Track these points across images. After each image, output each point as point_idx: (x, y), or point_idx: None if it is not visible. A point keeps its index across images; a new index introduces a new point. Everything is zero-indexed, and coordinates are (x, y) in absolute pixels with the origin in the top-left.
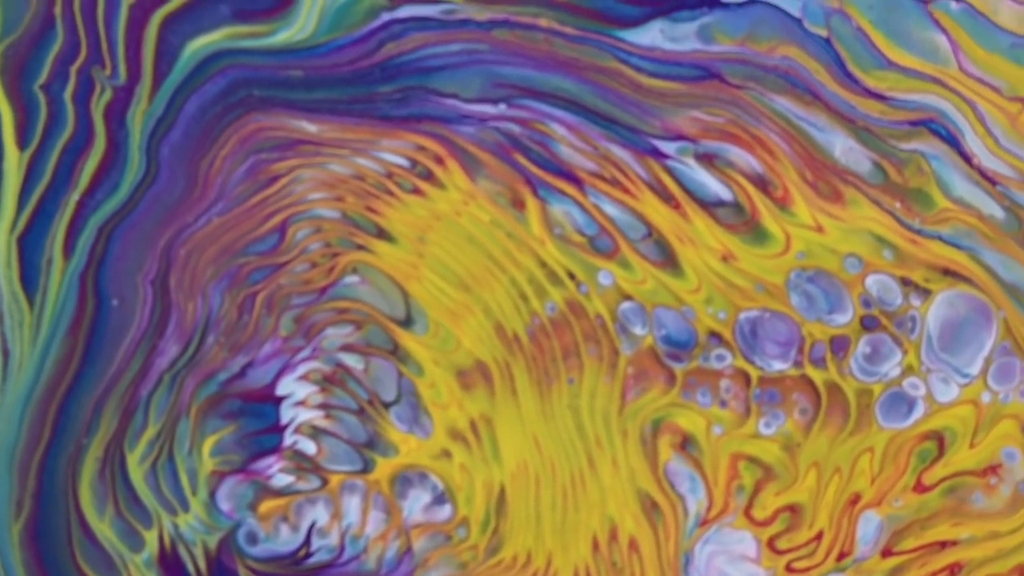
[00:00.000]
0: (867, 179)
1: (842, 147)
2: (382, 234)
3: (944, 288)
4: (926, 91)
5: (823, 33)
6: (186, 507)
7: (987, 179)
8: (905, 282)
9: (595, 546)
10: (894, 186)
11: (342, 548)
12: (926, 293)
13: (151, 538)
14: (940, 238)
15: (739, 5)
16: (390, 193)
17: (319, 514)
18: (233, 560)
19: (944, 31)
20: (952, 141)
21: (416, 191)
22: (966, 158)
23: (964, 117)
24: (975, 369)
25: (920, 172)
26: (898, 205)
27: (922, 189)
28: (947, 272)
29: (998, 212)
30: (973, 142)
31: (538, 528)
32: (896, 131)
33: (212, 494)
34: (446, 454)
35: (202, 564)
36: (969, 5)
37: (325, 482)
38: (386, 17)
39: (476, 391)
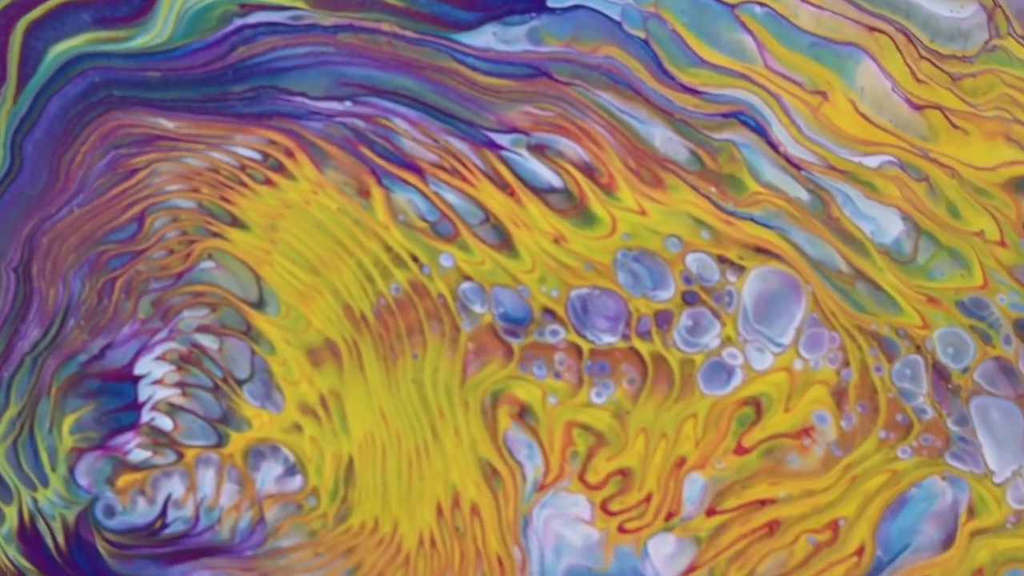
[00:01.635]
0: (685, 166)
1: (661, 138)
2: (236, 222)
3: (757, 265)
4: (735, 86)
5: (641, 35)
6: (45, 483)
7: (793, 165)
8: (721, 260)
9: (439, 512)
10: (709, 172)
11: (197, 519)
12: (741, 269)
13: (11, 513)
14: (752, 219)
15: (564, 10)
16: (243, 184)
17: (175, 487)
18: (91, 532)
19: (750, 32)
20: (760, 131)
21: (268, 182)
22: (773, 146)
23: (770, 109)
24: (787, 339)
25: (732, 159)
26: (713, 190)
27: (734, 175)
28: (759, 250)
29: (804, 195)
30: (779, 132)
31: (385, 496)
32: (710, 123)
33: (71, 470)
34: (297, 428)
35: (60, 537)
36: (771, 9)
37: (181, 456)
38: (238, 23)
39: (325, 368)
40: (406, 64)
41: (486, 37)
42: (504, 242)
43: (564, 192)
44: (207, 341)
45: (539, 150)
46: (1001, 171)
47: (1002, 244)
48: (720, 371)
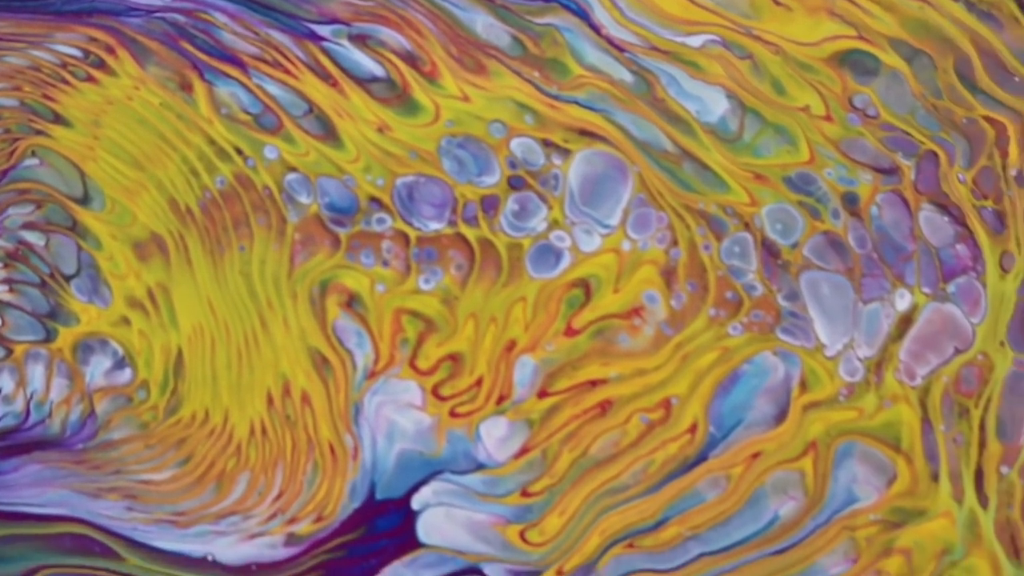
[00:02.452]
0: (507, 52)
1: (483, 24)
2: (59, 120)
3: (582, 147)
4: None
5: None
6: None
7: (615, 47)
8: (546, 143)
9: (269, 401)
10: (532, 57)
11: (27, 414)
12: (566, 153)
13: None
14: (576, 102)
15: None
16: (65, 82)
17: (4, 382)
18: None
19: None
20: (582, 14)
21: (90, 79)
22: (595, 29)
23: None
24: (615, 220)
25: (555, 44)
26: (536, 74)
27: (557, 59)
28: (584, 132)
29: (627, 76)
30: (601, 14)
31: (215, 387)
32: (531, 7)
33: None
34: (125, 321)
35: None
36: None
37: (10, 352)
38: None
39: (152, 262)
40: None
41: None
42: (328, 132)
43: (387, 81)
44: (33, 238)
45: (360, 40)
46: (825, 46)
47: (827, 119)
48: (548, 254)
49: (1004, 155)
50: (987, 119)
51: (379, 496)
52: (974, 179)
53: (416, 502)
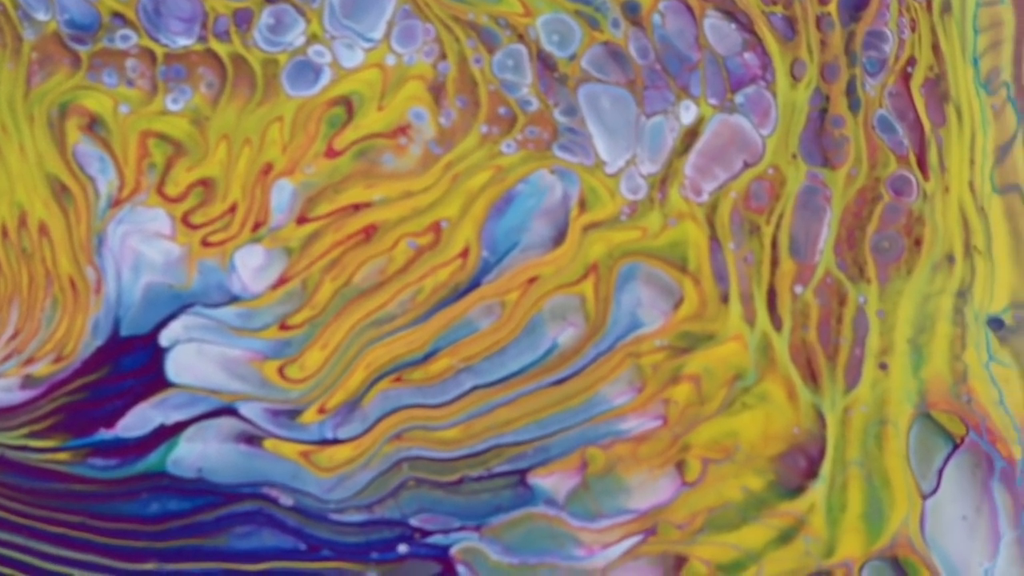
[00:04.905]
0: None
1: None
2: None
3: None
4: None
5: None
6: None
7: None
8: None
9: (4, 233)
10: None
11: None
12: None
13: None
14: None
15: None
16: None
17: None
18: None
19: None
20: None
21: None
22: None
23: None
24: (378, 33)
25: None
26: None
27: None
28: None
29: None
30: None
31: None
32: None
33: None
34: None
35: None
36: None
37: None
38: None
39: None
40: None
41: None
42: None
43: None
44: None
45: None
46: None
47: None
48: (307, 70)
49: None
50: None
51: (124, 333)
52: None
53: (165, 338)
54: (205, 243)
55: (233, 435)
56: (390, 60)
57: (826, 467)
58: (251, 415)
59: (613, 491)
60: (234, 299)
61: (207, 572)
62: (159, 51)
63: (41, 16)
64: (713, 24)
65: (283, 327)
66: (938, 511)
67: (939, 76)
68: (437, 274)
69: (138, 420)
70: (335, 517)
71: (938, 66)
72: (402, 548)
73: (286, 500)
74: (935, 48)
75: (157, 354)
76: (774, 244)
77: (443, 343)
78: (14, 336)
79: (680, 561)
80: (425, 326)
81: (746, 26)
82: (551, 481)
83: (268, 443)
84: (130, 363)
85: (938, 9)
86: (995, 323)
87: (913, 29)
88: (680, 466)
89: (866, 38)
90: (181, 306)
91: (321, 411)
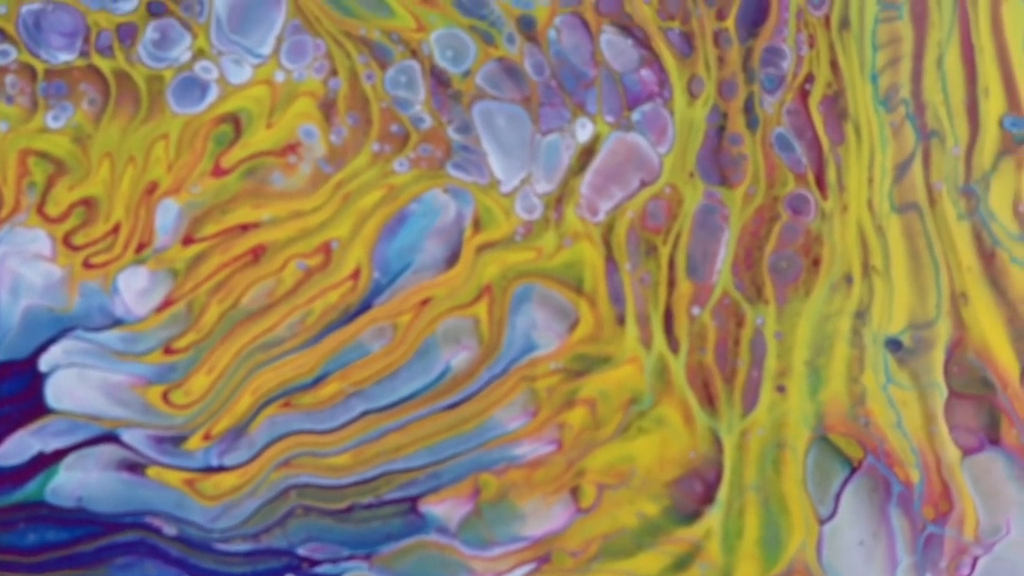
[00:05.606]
0: None
1: None
2: None
3: None
4: None
5: None
6: None
7: None
8: None
9: None
10: None
11: None
12: None
13: None
14: None
15: None
16: None
17: None
18: None
19: None
20: None
21: None
22: None
23: None
24: (267, 49)
25: None
26: None
27: None
28: None
29: None
30: None
31: None
32: None
33: None
34: None
35: None
36: None
37: None
38: None
39: None
40: None
41: None
42: None
43: None
44: None
45: None
46: None
47: None
48: (193, 87)
49: None
50: None
51: (2, 357)
52: None
53: (44, 363)
54: (87, 265)
55: (115, 463)
56: (279, 76)
57: (723, 492)
58: (134, 442)
59: (506, 518)
60: (117, 322)
61: None
62: (39, 67)
63: None
64: (609, 40)
65: (167, 351)
66: (835, 536)
67: (837, 93)
68: (327, 296)
69: (16, 448)
70: (220, 547)
71: (836, 83)
72: None
73: (169, 530)
74: (833, 65)
75: (36, 379)
76: (671, 264)
77: (333, 367)
78: None
79: None
80: (314, 349)
81: (643, 42)
82: (443, 508)
83: (151, 471)
84: (8, 389)
85: (836, 25)
86: (893, 344)
87: (811, 46)
88: (575, 492)
89: (764, 55)
90: (62, 330)
91: (207, 437)
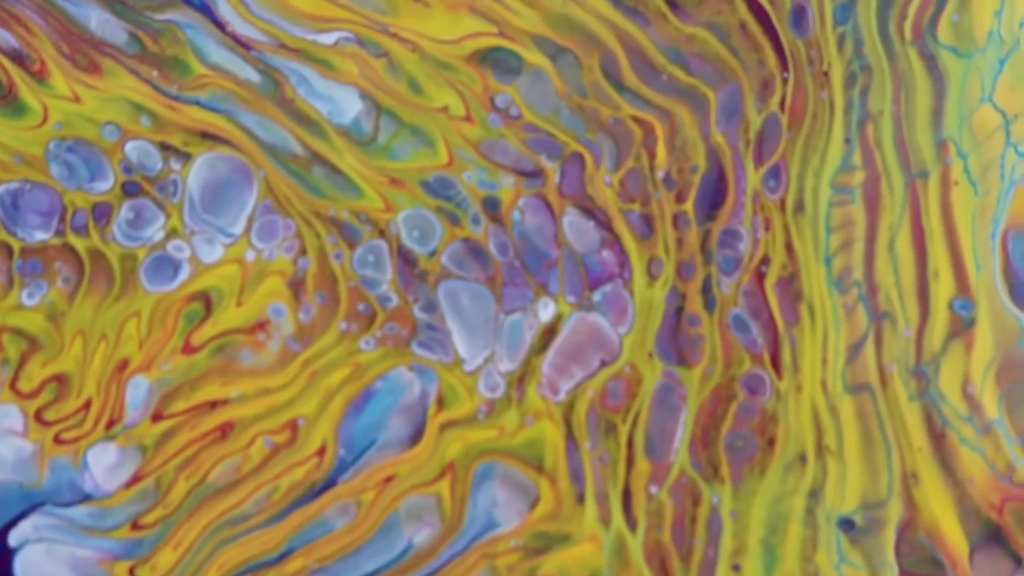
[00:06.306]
0: (124, 50)
1: (98, 20)
2: None
3: (204, 151)
4: None
5: None
6: None
7: (241, 45)
8: (165, 147)
9: None
10: (151, 55)
11: None
12: (186, 156)
13: None
14: (198, 103)
15: None
16: None
17: None
18: None
19: None
20: (205, 10)
21: None
22: (220, 26)
23: None
24: (238, 228)
25: (176, 41)
26: (155, 73)
27: (179, 57)
28: (206, 135)
29: (254, 76)
30: (226, 10)
31: None
32: (150, 3)
33: None
34: None
35: None
36: None
37: None
38: None
39: None
40: None
41: None
42: None
43: None
44: None
45: None
46: (465, 44)
47: (468, 119)
48: (165, 265)
49: (652, 156)
50: (634, 119)
51: None
52: (621, 181)
53: (13, 538)
54: (58, 440)
55: None
56: (250, 255)
57: None
58: None
59: None
60: (86, 498)
61: None
62: (16, 245)
63: None
64: (572, 221)
65: (135, 527)
66: None
67: (792, 275)
68: (293, 472)
69: None
70: None
71: (791, 265)
72: None
73: None
74: (788, 247)
75: (5, 554)
76: (630, 443)
77: (298, 543)
78: None
79: None
80: (280, 525)
81: (604, 224)
82: None
83: None
84: None
85: (791, 209)
86: (846, 524)
87: (767, 228)
88: None
89: (722, 236)
90: (31, 505)
91: None
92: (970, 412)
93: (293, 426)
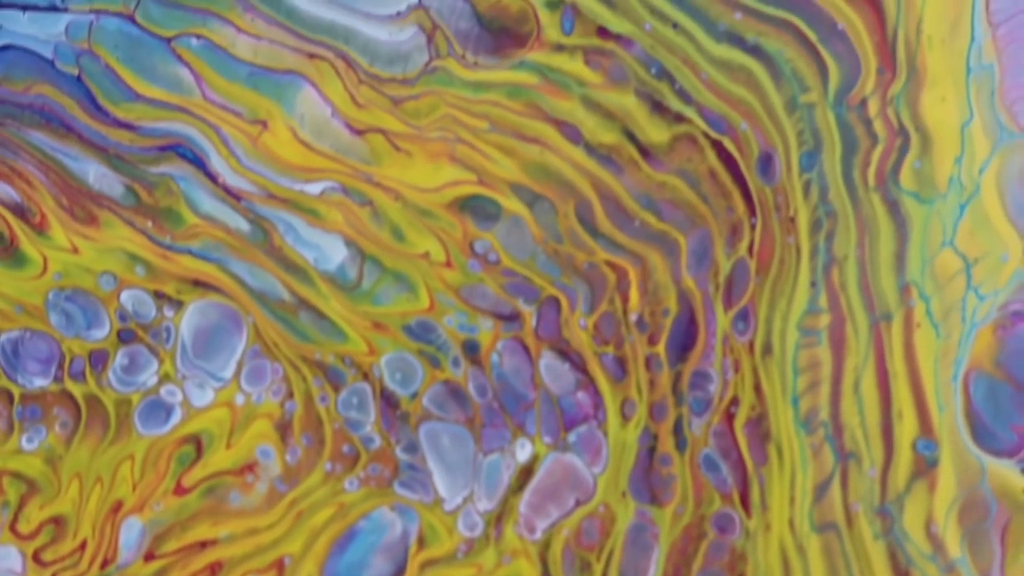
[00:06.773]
0: (120, 202)
1: (95, 174)
2: None
3: (195, 298)
4: (172, 119)
5: (74, 71)
6: None
7: (232, 196)
8: (158, 295)
9: None
10: (146, 207)
11: None
12: (179, 304)
13: None
14: (190, 252)
15: None
16: None
17: None
18: None
19: (187, 64)
20: (198, 163)
21: None
22: (212, 178)
23: (209, 141)
24: (228, 373)
25: (169, 193)
26: (149, 224)
27: (172, 208)
28: (198, 283)
29: (244, 225)
30: (218, 163)
31: None
32: (145, 156)
33: None
34: None
35: None
36: (208, 40)
37: None
38: None
39: None
40: None
41: None
42: None
43: None
44: None
45: None
46: (445, 192)
47: (448, 265)
48: (158, 409)
49: (625, 300)
50: (608, 263)
51: None
52: (595, 324)
53: None
54: None
55: None
56: (239, 399)
57: None
58: None
59: None
60: None
61: None
62: (16, 391)
63: None
64: (548, 364)
65: None
66: None
67: (761, 416)
68: None
69: None
70: None
71: (760, 406)
72: None
73: None
74: (757, 388)
75: None
76: None
77: None
78: None
79: None
80: None
81: (579, 366)
82: None
83: None
84: None
85: (760, 350)
86: None
87: (736, 370)
88: None
89: (692, 378)
90: None
91: None
92: (933, 551)
93: (280, 565)
